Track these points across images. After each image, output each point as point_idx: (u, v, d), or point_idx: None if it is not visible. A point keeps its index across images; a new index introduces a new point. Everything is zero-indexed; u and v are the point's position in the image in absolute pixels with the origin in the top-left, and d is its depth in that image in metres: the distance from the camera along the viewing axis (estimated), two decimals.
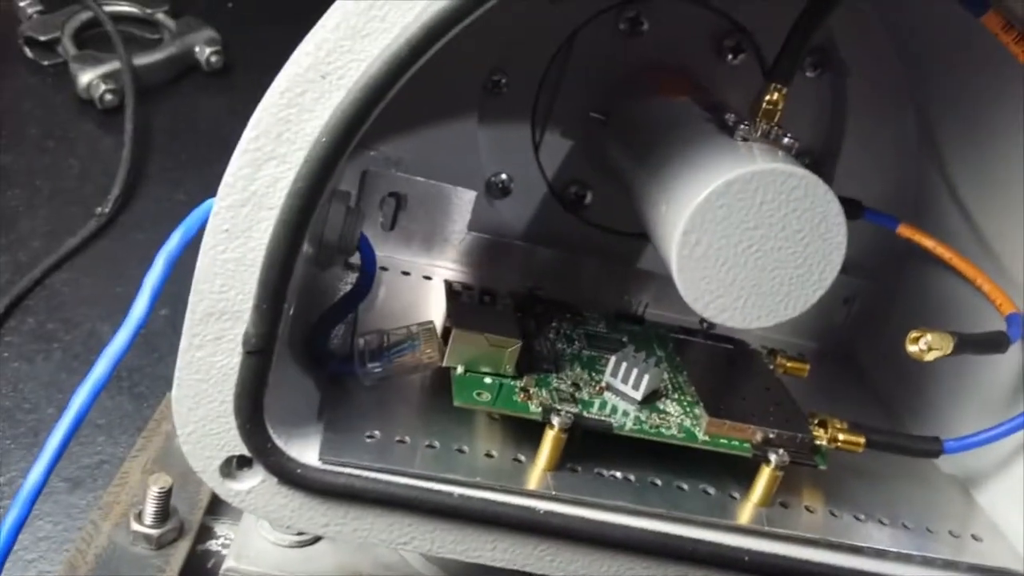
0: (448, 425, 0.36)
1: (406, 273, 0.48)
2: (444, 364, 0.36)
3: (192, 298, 0.30)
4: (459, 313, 0.37)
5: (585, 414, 0.36)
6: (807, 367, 0.45)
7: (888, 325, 0.52)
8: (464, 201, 0.49)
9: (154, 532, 0.42)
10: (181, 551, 0.42)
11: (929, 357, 0.37)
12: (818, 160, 0.51)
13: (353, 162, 0.46)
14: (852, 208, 0.45)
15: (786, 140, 0.36)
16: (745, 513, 0.37)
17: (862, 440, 0.39)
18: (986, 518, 0.41)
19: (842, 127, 0.50)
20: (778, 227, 0.34)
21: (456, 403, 0.35)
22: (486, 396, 0.36)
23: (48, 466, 0.36)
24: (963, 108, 0.45)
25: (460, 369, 0.36)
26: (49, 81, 0.84)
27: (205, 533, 0.45)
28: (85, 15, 0.86)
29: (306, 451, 0.33)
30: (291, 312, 0.34)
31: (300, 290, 0.38)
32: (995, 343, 0.39)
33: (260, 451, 0.32)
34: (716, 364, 0.42)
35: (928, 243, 0.44)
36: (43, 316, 0.65)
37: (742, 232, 0.34)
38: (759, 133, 0.36)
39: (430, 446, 0.35)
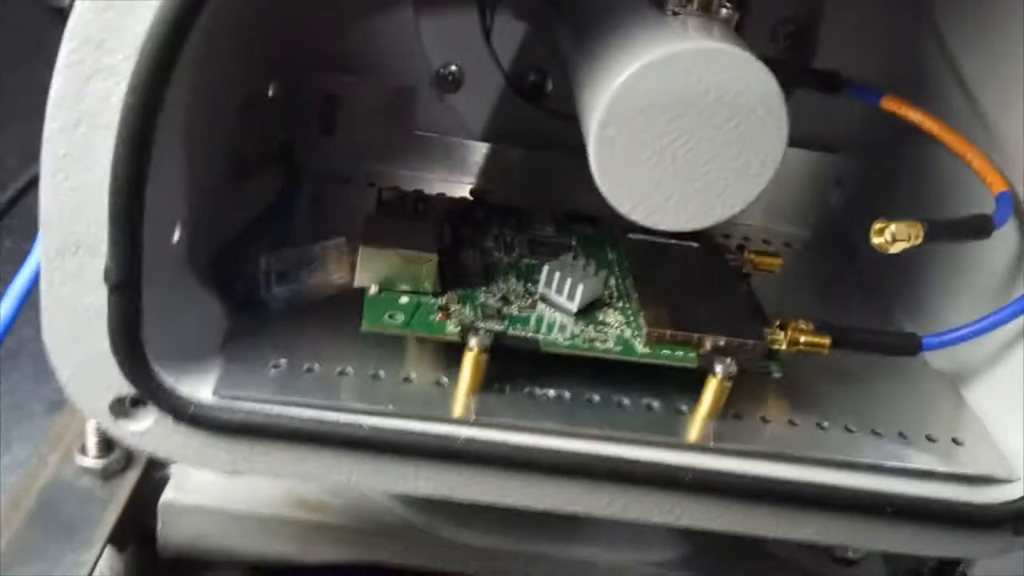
0: (365, 349, 0.34)
1: (345, 181, 0.45)
2: (355, 284, 0.34)
3: (41, 231, 0.27)
4: (371, 227, 0.34)
5: (510, 331, 0.34)
6: (779, 262, 0.41)
7: (886, 207, 0.47)
8: (407, 98, 0.45)
9: (98, 464, 0.41)
10: (128, 482, 0.41)
11: (895, 249, 0.33)
12: (802, 28, 0.46)
13: (283, 62, 0.43)
14: (830, 81, 0.41)
15: (724, 11, 0.32)
16: (690, 428, 0.34)
17: (827, 341, 0.36)
18: (973, 418, 0.38)
19: None
20: (707, 113, 0.30)
21: (364, 328, 0.32)
22: (399, 317, 0.33)
23: None
24: None
25: (374, 289, 0.34)
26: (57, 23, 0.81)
27: (158, 462, 0.43)
28: None
29: (202, 386, 0.31)
30: (176, 235, 0.31)
31: (213, 203, 0.36)
32: (976, 228, 0.35)
33: (147, 390, 0.30)
34: (672, 266, 0.39)
35: (915, 116, 0.39)
36: (21, 235, 0.64)
37: (666, 123, 0.30)
38: (695, 5, 0.32)
39: (342, 373, 0.33)
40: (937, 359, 0.41)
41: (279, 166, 0.41)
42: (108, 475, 0.41)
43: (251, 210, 0.39)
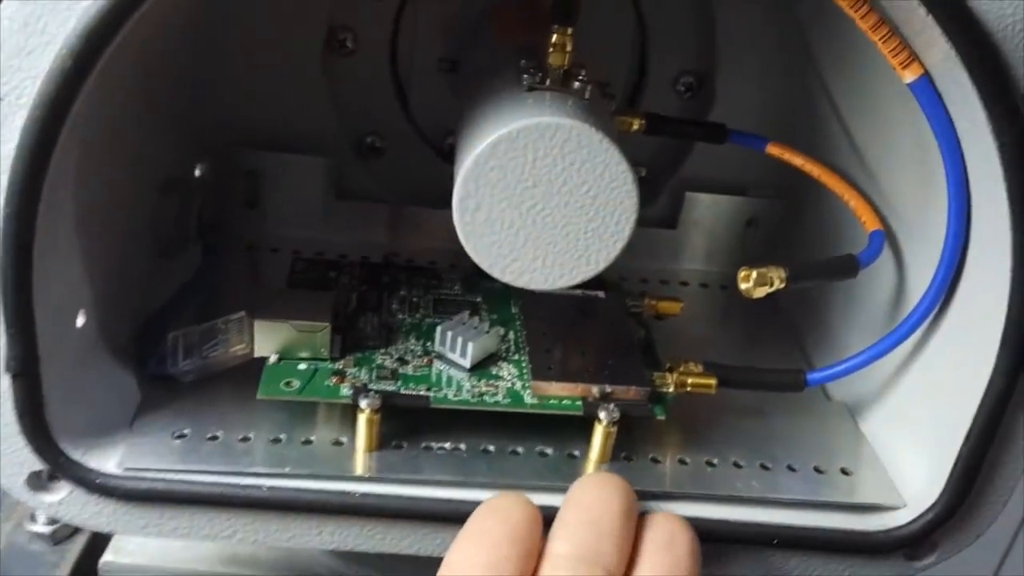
0: (269, 415, 0.36)
1: (275, 250, 0.47)
2: (255, 355, 0.36)
3: None
4: (269, 301, 0.37)
5: (402, 391, 0.36)
6: (678, 307, 0.43)
7: (794, 245, 0.49)
8: (330, 170, 0.48)
9: (47, 529, 0.43)
10: (77, 546, 0.44)
11: (759, 293, 0.35)
12: (700, 79, 0.48)
13: (202, 144, 0.46)
14: (716, 132, 0.43)
15: (576, 84, 0.34)
16: (581, 472, 0.36)
17: (713, 381, 0.37)
18: (866, 448, 0.39)
19: (714, 46, 0.47)
20: (559, 182, 0.32)
21: (260, 396, 0.35)
22: (295, 384, 0.35)
23: None
24: (832, 23, 0.42)
25: (273, 358, 0.36)
26: None
27: None
28: None
29: (110, 459, 0.33)
30: (80, 320, 0.34)
31: (129, 283, 0.38)
32: (842, 269, 0.36)
33: (56, 465, 0.32)
34: (566, 317, 0.41)
35: (797, 161, 0.41)
36: None
37: (522, 192, 0.32)
38: (548, 80, 0.34)
39: (245, 439, 0.35)
40: (837, 391, 0.42)
41: (202, 242, 0.43)
42: (57, 540, 0.44)
43: (174, 285, 0.42)
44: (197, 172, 0.45)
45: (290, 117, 0.47)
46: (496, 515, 0.31)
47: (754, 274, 0.34)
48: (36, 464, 0.32)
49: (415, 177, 0.50)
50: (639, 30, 0.47)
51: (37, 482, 0.33)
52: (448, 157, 0.50)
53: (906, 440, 0.38)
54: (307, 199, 0.48)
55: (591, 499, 0.31)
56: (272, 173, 0.47)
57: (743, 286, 0.35)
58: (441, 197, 0.49)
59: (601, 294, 0.43)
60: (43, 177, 0.27)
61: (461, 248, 0.47)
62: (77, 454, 0.32)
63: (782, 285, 0.35)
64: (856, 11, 0.30)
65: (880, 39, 0.30)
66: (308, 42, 0.45)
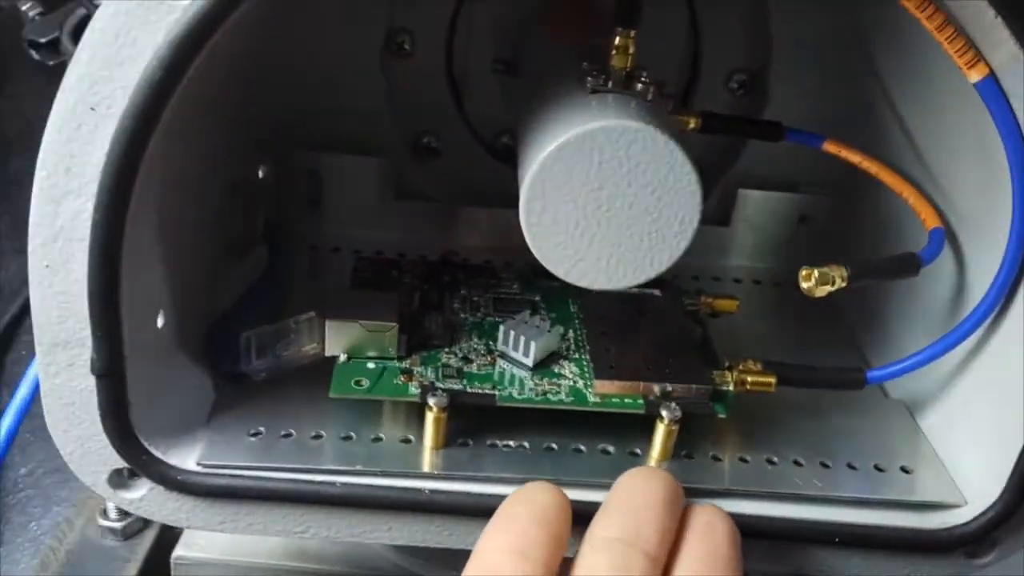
0: (339, 413, 0.37)
1: (335, 250, 0.48)
2: (326, 354, 0.37)
3: (35, 330, 0.31)
4: (338, 301, 0.38)
5: (468, 389, 0.36)
6: (735, 304, 0.44)
7: (848, 242, 0.49)
8: (388, 171, 0.49)
9: (118, 525, 0.45)
10: (146, 540, 0.45)
11: (820, 292, 0.35)
12: (754, 76, 0.49)
13: (267, 145, 0.47)
14: (773, 130, 0.43)
15: (639, 85, 0.35)
16: None
17: (773, 380, 0.38)
18: (925, 446, 0.39)
19: (768, 43, 0.47)
20: (624, 184, 0.32)
21: (332, 395, 0.35)
22: (365, 383, 0.36)
23: None
24: (890, 20, 0.42)
25: (343, 357, 0.37)
26: (55, 80, 0.87)
27: None
28: (81, 11, 0.88)
29: (189, 456, 0.34)
30: (160, 321, 0.35)
31: (202, 285, 0.39)
32: (904, 267, 0.37)
33: (138, 463, 0.33)
34: (624, 315, 0.41)
35: (854, 158, 0.41)
36: None
37: (588, 193, 0.32)
38: (610, 82, 0.35)
39: (317, 437, 0.36)
40: (895, 389, 0.43)
41: (268, 242, 0.45)
42: (128, 535, 0.45)
43: (243, 285, 0.43)
44: (260, 173, 0.46)
45: (349, 118, 0.47)
46: (524, 501, 0.31)
47: (816, 273, 0.35)
48: (118, 462, 0.34)
49: (469, 176, 0.50)
50: (692, 28, 0.48)
51: (119, 480, 0.34)
52: (501, 156, 0.50)
53: (966, 437, 0.38)
54: (366, 199, 0.49)
55: (635, 488, 0.32)
56: (332, 174, 0.48)
57: (804, 285, 0.35)
58: (495, 196, 0.50)
59: (657, 292, 0.43)
60: (132, 185, 0.28)
61: (515, 246, 0.48)
62: (158, 452, 0.34)
63: (843, 284, 0.35)
64: (922, 12, 0.30)
65: (946, 39, 0.31)
66: (368, 45, 0.46)
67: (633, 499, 0.32)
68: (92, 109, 0.27)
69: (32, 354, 0.65)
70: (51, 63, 0.88)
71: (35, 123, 0.88)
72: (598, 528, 0.31)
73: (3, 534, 0.54)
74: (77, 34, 0.88)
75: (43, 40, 0.88)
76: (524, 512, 0.31)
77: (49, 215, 0.29)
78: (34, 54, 0.88)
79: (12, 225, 0.73)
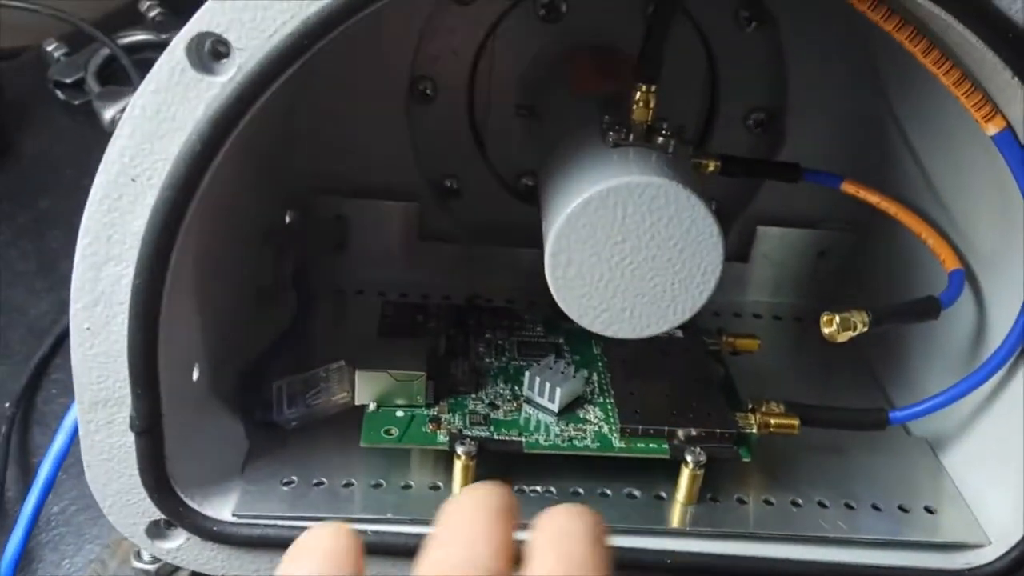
0: (369, 460, 0.37)
1: (360, 292, 0.49)
2: (356, 403, 0.38)
3: (76, 389, 0.32)
4: (367, 351, 0.39)
5: (495, 436, 0.37)
6: (756, 344, 0.44)
7: (867, 276, 0.50)
8: (411, 214, 0.50)
9: (152, 567, 0.45)
10: None
11: (842, 338, 0.36)
12: (771, 116, 0.49)
13: (294, 193, 0.48)
14: (790, 171, 0.44)
15: (660, 138, 0.35)
16: (669, 514, 0.37)
17: (796, 422, 0.38)
18: (948, 485, 0.40)
19: (786, 83, 0.48)
20: (647, 237, 0.33)
21: (363, 444, 0.36)
22: (394, 432, 0.37)
23: (24, 533, 0.40)
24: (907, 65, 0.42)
25: (372, 406, 0.38)
26: (81, 120, 0.89)
27: None
28: (105, 51, 0.90)
29: (225, 507, 0.35)
30: (194, 375, 0.36)
31: (234, 334, 0.40)
32: (924, 310, 0.37)
33: (175, 515, 0.34)
34: (653, 356, 0.42)
35: (872, 199, 0.42)
36: None
37: (612, 247, 0.33)
38: (631, 136, 0.35)
39: (347, 485, 0.37)
40: (917, 426, 0.43)
41: (296, 287, 0.45)
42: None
43: (273, 332, 0.44)
44: (288, 219, 0.47)
45: (373, 164, 0.48)
46: (307, 547, 0.27)
47: (837, 319, 0.35)
48: (156, 514, 0.34)
49: (491, 217, 0.51)
50: (709, 67, 0.48)
51: (156, 531, 0.35)
52: (523, 197, 0.51)
53: (990, 476, 0.39)
54: (390, 242, 0.50)
55: (461, 505, 0.28)
56: (357, 218, 0.49)
57: (826, 331, 0.36)
58: (516, 235, 0.51)
59: (679, 333, 0.44)
60: (171, 250, 0.29)
61: (537, 285, 0.49)
62: (194, 504, 0.34)
63: (865, 329, 0.36)
64: (939, 68, 0.31)
65: (963, 94, 0.31)
66: (392, 92, 0.47)
67: (460, 517, 0.28)
68: (133, 180, 0.28)
69: (62, 393, 0.66)
70: (76, 102, 0.90)
71: (61, 163, 0.89)
72: (423, 561, 0.27)
73: (37, 571, 0.55)
74: (101, 74, 0.90)
75: (68, 80, 0.89)
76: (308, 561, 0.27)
77: (91, 280, 0.30)
78: (60, 94, 0.90)
79: (40, 264, 0.75)
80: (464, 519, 0.28)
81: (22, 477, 0.60)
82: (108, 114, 0.84)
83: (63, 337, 0.69)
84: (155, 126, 0.28)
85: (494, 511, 0.28)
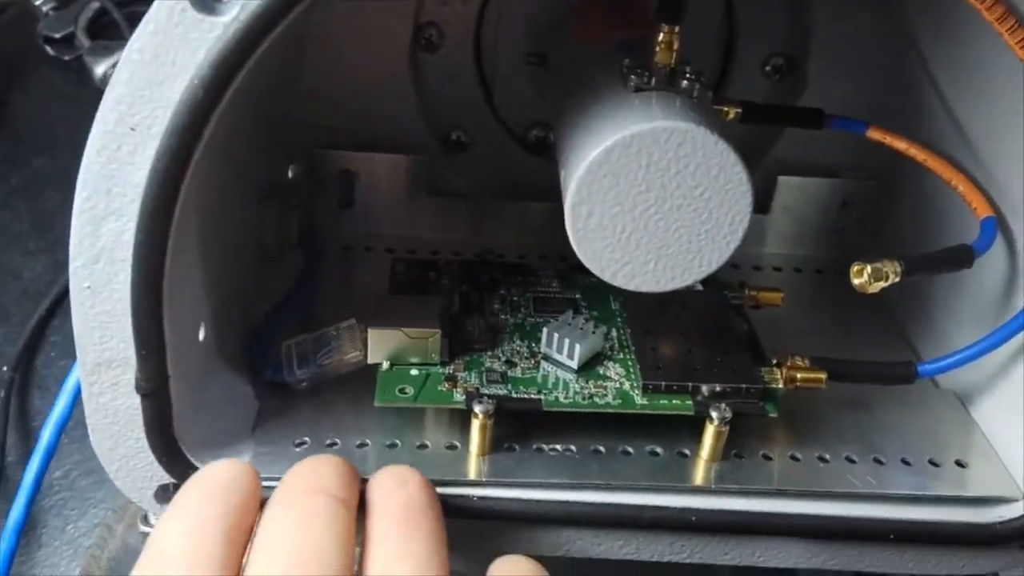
0: (383, 420, 0.36)
1: (368, 249, 0.48)
2: (368, 362, 0.36)
3: (78, 351, 0.31)
4: (379, 308, 0.37)
5: (513, 394, 0.36)
6: (780, 296, 0.43)
7: (890, 226, 0.49)
8: (418, 168, 0.48)
9: None
10: None
11: (873, 289, 0.34)
12: (791, 61, 0.47)
13: (297, 146, 0.46)
14: (814, 117, 0.42)
15: (684, 82, 0.34)
16: (693, 471, 0.36)
17: (823, 376, 0.37)
18: (979, 438, 0.39)
19: (806, 27, 0.46)
20: (672, 185, 0.31)
21: (377, 404, 0.35)
22: (409, 391, 0.36)
23: (27, 499, 0.39)
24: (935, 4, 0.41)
25: (386, 365, 0.36)
26: (72, 76, 0.86)
27: None
28: (95, 5, 0.87)
29: None
30: (200, 335, 0.34)
31: (240, 293, 0.39)
32: (957, 259, 0.36)
33: (183, 478, 0.33)
34: (674, 310, 0.40)
35: (900, 145, 0.41)
36: None
37: (635, 196, 0.32)
38: (654, 80, 0.34)
39: (362, 445, 0.35)
40: (945, 379, 0.42)
41: (302, 245, 0.44)
42: None
43: (280, 290, 0.42)
44: (290, 174, 0.45)
45: (378, 116, 0.47)
46: (196, 479, 0.29)
47: (868, 268, 0.34)
48: (164, 477, 0.33)
49: (500, 170, 0.50)
50: (727, 12, 0.46)
51: (165, 494, 0.34)
52: (532, 149, 0.50)
53: (1021, 429, 0.38)
54: (397, 197, 0.48)
55: (302, 464, 0.30)
56: (363, 173, 0.47)
57: (856, 281, 0.34)
58: (526, 189, 0.49)
59: (700, 287, 0.42)
60: (175, 203, 0.28)
61: (549, 240, 0.48)
62: (204, 466, 0.33)
63: (897, 279, 0.34)
64: (982, 3, 0.29)
65: (1007, 30, 0.29)
66: (395, 40, 0.45)
67: (304, 466, 0.30)
68: (132, 129, 0.27)
69: (61, 356, 0.65)
70: (66, 58, 0.88)
71: (53, 120, 0.87)
72: (275, 492, 0.29)
73: (41, 537, 0.54)
74: (92, 28, 0.87)
75: (58, 35, 0.87)
76: (195, 492, 0.29)
77: (90, 236, 0.28)
78: (49, 50, 0.88)
79: (35, 224, 0.73)
80: (310, 461, 0.30)
81: (22, 442, 0.59)
82: (100, 69, 0.82)
83: (60, 299, 0.68)
84: (154, 71, 0.26)
85: (340, 459, 0.30)
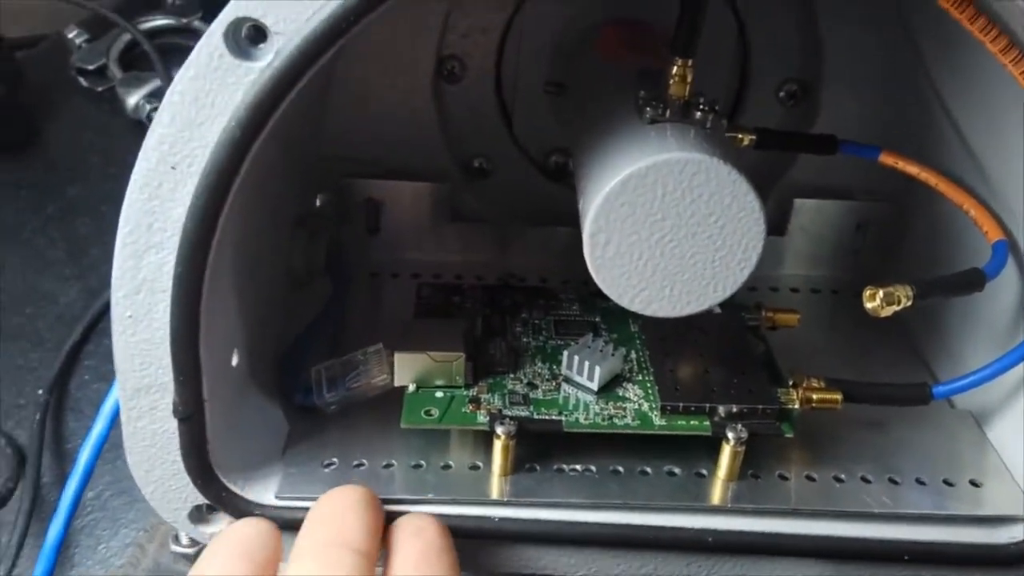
0: (409, 441, 0.37)
1: (395, 276, 0.49)
2: (395, 385, 0.38)
3: (118, 376, 0.32)
4: (405, 333, 0.38)
5: (535, 416, 0.37)
6: (796, 318, 0.44)
7: (905, 248, 0.49)
8: (442, 195, 0.49)
9: (190, 551, 0.46)
10: None
11: (886, 312, 0.35)
12: (805, 87, 0.48)
13: (330, 172, 0.48)
14: (827, 143, 0.43)
15: (698, 113, 0.35)
16: (710, 491, 0.37)
17: (839, 397, 0.38)
18: (993, 457, 0.39)
19: (820, 54, 0.47)
20: (687, 214, 0.33)
21: (403, 426, 0.36)
22: (435, 413, 0.37)
23: (66, 518, 0.41)
24: (945, 32, 0.41)
25: (412, 387, 0.38)
26: (105, 107, 0.89)
27: None
28: (126, 37, 0.90)
29: (267, 490, 0.35)
30: (234, 361, 0.36)
31: (270, 319, 0.40)
32: (968, 283, 0.37)
33: (218, 499, 0.34)
34: (691, 333, 0.41)
35: (912, 170, 0.41)
36: None
37: (651, 225, 0.33)
38: (668, 112, 0.35)
39: (388, 466, 0.37)
40: (961, 399, 0.42)
41: (330, 272, 0.45)
42: None
43: (309, 316, 0.44)
44: (318, 203, 0.47)
45: (402, 145, 0.48)
46: (223, 537, 0.32)
47: (881, 293, 0.35)
48: (199, 499, 0.35)
49: (521, 196, 0.51)
50: (740, 38, 0.48)
51: (198, 515, 0.35)
52: (552, 176, 0.51)
53: None
54: (421, 223, 0.49)
55: (332, 498, 0.33)
56: (387, 200, 0.49)
57: (869, 305, 0.35)
58: (546, 214, 0.51)
59: (718, 309, 0.43)
60: (212, 237, 0.29)
61: (569, 264, 0.49)
62: (236, 488, 0.34)
63: (909, 303, 0.35)
64: (985, 35, 0.30)
65: (1010, 61, 0.30)
66: (419, 72, 0.47)
67: (331, 506, 0.32)
68: (172, 168, 0.28)
69: (95, 379, 0.66)
70: (99, 89, 0.90)
71: (87, 151, 0.90)
72: (300, 538, 0.31)
73: (74, 556, 0.55)
74: (123, 60, 0.90)
75: (91, 67, 0.89)
76: (223, 551, 0.31)
77: (132, 268, 0.30)
78: (82, 81, 0.90)
79: (69, 252, 0.75)
80: (335, 504, 0.32)
81: (56, 464, 0.60)
82: (132, 100, 0.85)
83: (94, 323, 0.70)
84: (194, 113, 0.28)
85: (363, 500, 0.32)
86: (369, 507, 0.32)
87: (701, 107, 0.35)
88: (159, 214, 0.29)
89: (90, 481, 0.60)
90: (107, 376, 0.66)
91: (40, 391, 0.62)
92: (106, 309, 0.71)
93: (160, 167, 0.28)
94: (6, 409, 0.62)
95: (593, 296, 0.45)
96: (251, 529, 0.32)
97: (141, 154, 0.28)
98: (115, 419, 0.38)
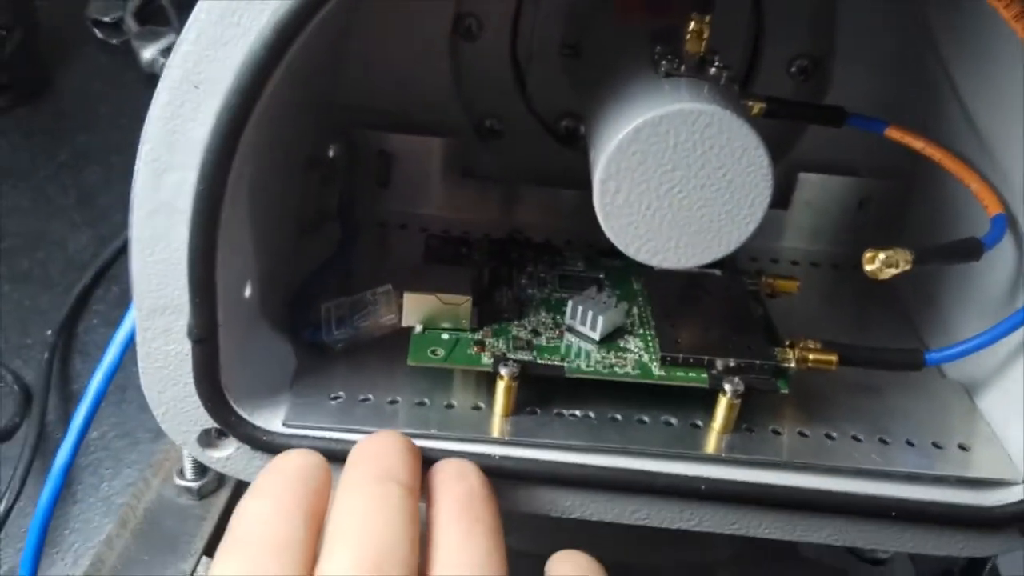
0: (413, 380, 0.38)
1: (403, 226, 0.50)
2: (403, 325, 0.38)
3: (134, 296, 0.33)
4: (415, 275, 0.39)
5: (538, 360, 0.38)
6: (795, 285, 0.44)
7: (907, 225, 0.50)
8: (453, 151, 0.50)
9: (194, 484, 0.47)
10: (221, 499, 0.47)
11: (884, 275, 0.36)
12: (816, 62, 0.49)
13: (339, 126, 0.48)
14: (835, 115, 0.44)
15: (712, 70, 0.36)
16: (705, 442, 0.37)
17: (834, 358, 0.39)
18: (982, 424, 0.40)
19: (832, 29, 0.48)
20: (697, 165, 0.33)
21: (410, 363, 0.37)
22: (440, 352, 0.38)
23: (71, 449, 0.41)
24: (955, 4, 0.42)
25: (419, 328, 0.38)
26: (118, 60, 0.89)
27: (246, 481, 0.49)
28: None
29: (274, 418, 0.36)
30: (248, 291, 0.37)
31: (281, 258, 0.41)
32: (966, 252, 0.37)
33: (227, 423, 0.35)
34: (693, 293, 0.42)
35: (917, 144, 0.42)
36: (126, 283, 0.71)
37: (661, 175, 0.34)
38: (684, 67, 0.36)
39: (393, 402, 0.37)
40: (952, 369, 0.43)
41: (339, 218, 0.46)
42: (203, 494, 0.47)
43: (316, 260, 0.44)
44: (331, 153, 0.47)
45: (416, 99, 0.49)
46: (276, 466, 0.33)
47: (881, 255, 0.36)
48: (208, 422, 0.35)
49: (530, 158, 0.52)
50: (755, 12, 0.48)
51: (207, 439, 0.36)
52: (563, 140, 0.52)
53: (1021, 417, 0.39)
54: (432, 178, 0.50)
55: (371, 441, 0.33)
56: (399, 153, 0.50)
57: (868, 267, 0.36)
58: (555, 176, 0.51)
59: (718, 272, 0.44)
60: (232, 159, 0.30)
61: (574, 225, 0.49)
62: (245, 414, 0.35)
63: (907, 267, 0.36)
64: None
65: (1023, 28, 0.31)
66: (435, 28, 0.47)
67: (377, 444, 0.33)
68: (196, 87, 0.29)
69: (103, 323, 0.67)
70: (114, 41, 0.90)
71: (99, 100, 0.90)
72: (345, 475, 0.32)
73: (76, 493, 0.56)
74: (140, 13, 0.90)
75: (107, 19, 0.90)
76: (277, 477, 0.32)
77: (152, 188, 0.31)
78: (97, 33, 0.91)
79: (79, 199, 0.76)
80: (381, 443, 0.33)
81: (61, 404, 0.61)
82: (147, 54, 0.85)
83: (104, 269, 0.71)
84: (220, 31, 0.28)
85: (406, 443, 0.33)
86: (411, 450, 0.33)
87: (716, 65, 0.36)
88: (180, 133, 0.30)
89: (95, 422, 0.61)
90: (115, 321, 0.66)
91: (48, 332, 0.63)
92: (116, 256, 0.72)
93: (183, 85, 0.29)
94: (13, 348, 0.63)
95: (599, 256, 0.45)
96: (304, 459, 0.33)
97: (164, 71, 0.29)
98: (124, 355, 0.39)
